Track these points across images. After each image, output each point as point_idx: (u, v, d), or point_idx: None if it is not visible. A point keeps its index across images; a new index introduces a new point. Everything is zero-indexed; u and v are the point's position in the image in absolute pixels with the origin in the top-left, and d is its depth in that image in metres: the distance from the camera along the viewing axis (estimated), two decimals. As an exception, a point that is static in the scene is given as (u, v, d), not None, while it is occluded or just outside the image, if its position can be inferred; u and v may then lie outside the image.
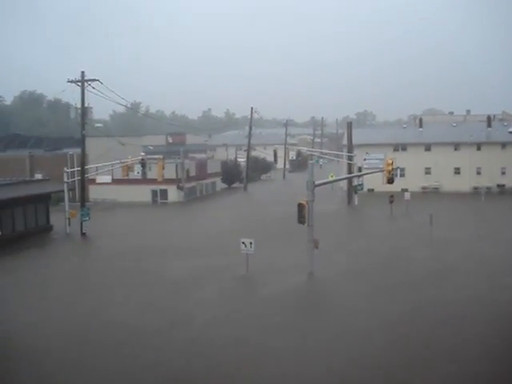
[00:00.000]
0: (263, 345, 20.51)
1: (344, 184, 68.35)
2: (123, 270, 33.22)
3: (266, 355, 19.51)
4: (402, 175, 72.77)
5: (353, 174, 59.65)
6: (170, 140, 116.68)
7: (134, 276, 31.57)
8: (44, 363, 19.40)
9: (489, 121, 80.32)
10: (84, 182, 49.46)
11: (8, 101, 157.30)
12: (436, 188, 74.27)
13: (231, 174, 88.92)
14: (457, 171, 74.63)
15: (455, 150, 75.30)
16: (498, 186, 72.42)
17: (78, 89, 45.65)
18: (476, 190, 70.25)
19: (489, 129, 78.42)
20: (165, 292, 28.04)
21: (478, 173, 73.36)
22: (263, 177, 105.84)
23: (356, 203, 62.36)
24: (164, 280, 30.45)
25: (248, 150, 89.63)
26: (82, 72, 45.77)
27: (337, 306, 25.32)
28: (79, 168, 49.85)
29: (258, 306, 25.38)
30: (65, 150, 74.33)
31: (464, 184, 72.86)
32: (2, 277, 32.12)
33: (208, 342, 20.89)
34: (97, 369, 18.71)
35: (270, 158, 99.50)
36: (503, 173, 72.95)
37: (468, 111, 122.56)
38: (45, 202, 48.73)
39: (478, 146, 74.35)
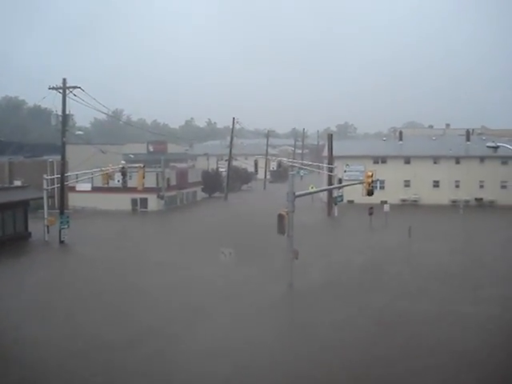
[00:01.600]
0: (236, 358, 20.58)
1: (324, 195, 68.69)
2: (97, 279, 32.92)
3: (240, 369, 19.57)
4: (382, 187, 73.28)
5: (333, 186, 60.01)
6: (151, 148, 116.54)
7: (107, 286, 31.19)
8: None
9: (468, 135, 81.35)
10: (64, 190, 49.17)
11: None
12: (415, 200, 74.89)
13: (212, 184, 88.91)
14: (436, 184, 75.36)
15: (434, 163, 76.10)
16: (476, 199, 73.25)
17: (60, 95, 45.51)
18: (454, 203, 70.90)
19: (468, 143, 79.40)
20: (134, 300, 27.92)
21: (457, 186, 74.17)
22: (244, 187, 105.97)
23: (336, 214, 62.71)
24: (137, 289, 30.25)
25: (229, 160, 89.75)
26: (64, 79, 45.63)
27: (313, 320, 25.29)
28: (59, 175, 49.57)
29: (233, 317, 25.37)
30: (45, 157, 73.78)
31: (443, 197, 73.54)
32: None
33: (182, 354, 20.91)
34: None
35: (251, 169, 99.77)
36: (481, 186, 73.87)
37: (447, 125, 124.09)
38: (23, 208, 48.35)
39: (457, 160, 75.27)
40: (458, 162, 75.22)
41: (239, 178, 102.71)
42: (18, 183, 60.72)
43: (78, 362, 19.91)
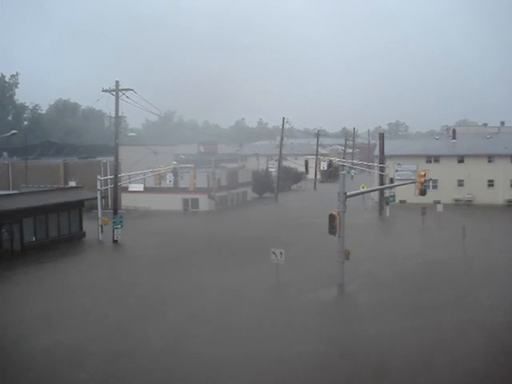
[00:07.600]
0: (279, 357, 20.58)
1: (375, 195, 67.99)
2: (150, 281, 33.11)
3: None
4: (435, 187, 72.13)
5: (384, 186, 59.32)
6: (202, 149, 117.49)
7: (160, 289, 31.16)
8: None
9: (524, 133, 79.27)
10: (117, 190, 50.04)
11: (44, 109, 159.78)
12: (469, 200, 73.33)
13: (262, 184, 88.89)
14: (490, 183, 73.66)
15: (489, 162, 74.37)
16: (533, 199, 71.35)
17: (112, 97, 46.29)
18: (510, 203, 69.29)
19: (524, 141, 77.33)
20: (188, 303, 28.14)
21: (512, 185, 72.47)
22: (294, 187, 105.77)
23: (387, 214, 61.95)
24: (190, 292, 30.36)
25: (279, 160, 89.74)
26: (117, 81, 46.39)
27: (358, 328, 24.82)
28: (112, 176, 50.47)
29: (279, 317, 25.29)
30: (98, 158, 75.40)
31: (497, 196, 71.90)
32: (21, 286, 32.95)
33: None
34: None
35: (301, 168, 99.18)
36: (538, 186, 71.87)
37: (502, 123, 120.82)
38: (78, 209, 49.43)
39: (513, 159, 73.48)
40: (513, 161, 73.45)
41: (289, 178, 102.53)
42: (72, 184, 62.30)
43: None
